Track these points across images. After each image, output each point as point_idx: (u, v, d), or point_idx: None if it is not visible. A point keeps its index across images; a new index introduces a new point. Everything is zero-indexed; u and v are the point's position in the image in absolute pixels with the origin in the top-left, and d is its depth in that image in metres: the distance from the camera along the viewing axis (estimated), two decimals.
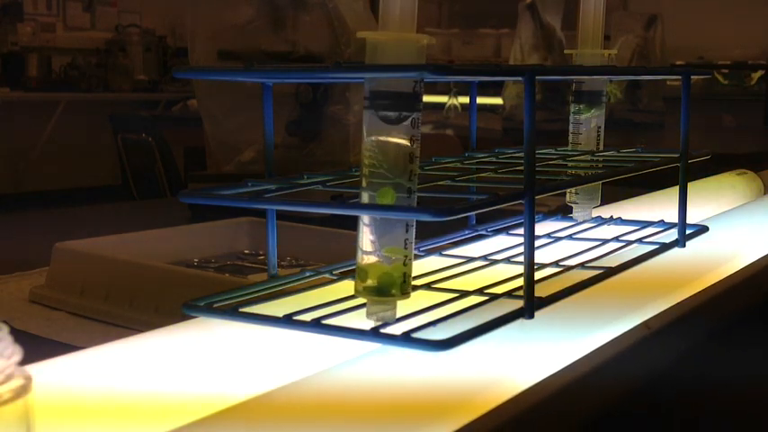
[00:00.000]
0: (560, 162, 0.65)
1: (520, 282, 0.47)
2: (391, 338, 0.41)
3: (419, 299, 0.46)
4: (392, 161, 0.42)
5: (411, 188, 0.42)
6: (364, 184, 0.43)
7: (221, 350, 0.43)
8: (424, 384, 0.41)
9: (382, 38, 0.41)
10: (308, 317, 0.43)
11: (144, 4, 5.47)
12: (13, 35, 4.87)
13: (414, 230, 0.43)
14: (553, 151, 0.70)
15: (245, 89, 1.20)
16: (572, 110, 0.71)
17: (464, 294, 0.47)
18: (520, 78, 0.44)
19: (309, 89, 1.21)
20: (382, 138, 0.42)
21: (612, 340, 0.50)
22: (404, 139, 0.42)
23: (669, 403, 0.56)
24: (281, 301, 0.47)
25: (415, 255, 0.51)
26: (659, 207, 0.77)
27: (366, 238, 0.43)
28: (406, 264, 0.43)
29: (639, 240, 0.62)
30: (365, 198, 0.43)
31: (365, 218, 0.43)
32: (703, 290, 0.62)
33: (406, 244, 0.43)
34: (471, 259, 0.57)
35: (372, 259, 0.43)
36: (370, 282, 0.43)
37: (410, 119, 0.42)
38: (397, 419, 0.38)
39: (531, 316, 0.45)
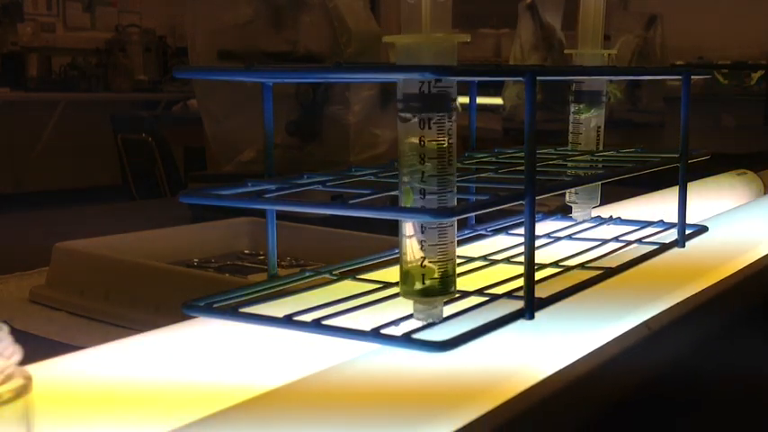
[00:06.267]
0: (560, 162, 0.65)
1: (520, 282, 0.47)
2: (392, 339, 0.41)
3: None
4: (406, 161, 0.43)
5: (424, 189, 0.43)
6: (400, 184, 0.44)
7: (221, 350, 0.43)
8: (423, 385, 0.41)
9: (409, 40, 0.42)
10: (308, 317, 0.43)
11: (144, 4, 5.47)
12: (13, 35, 4.87)
13: (455, 229, 0.44)
14: (553, 151, 0.70)
15: (245, 89, 1.19)
16: (572, 110, 0.71)
17: (464, 295, 0.47)
18: (520, 78, 0.44)
19: (309, 89, 1.21)
20: (401, 137, 0.43)
21: (612, 340, 0.50)
22: (413, 138, 0.43)
23: (670, 403, 0.56)
24: (281, 302, 0.47)
25: None
26: (659, 207, 0.77)
27: (409, 240, 0.44)
28: (450, 263, 0.44)
29: (639, 240, 0.62)
30: (399, 197, 0.44)
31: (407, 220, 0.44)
32: (703, 290, 0.62)
33: (448, 243, 0.43)
34: (471, 259, 0.57)
35: (417, 261, 0.43)
36: (417, 285, 0.44)
37: (417, 118, 0.42)
38: (397, 420, 0.38)
39: (532, 316, 0.45)
